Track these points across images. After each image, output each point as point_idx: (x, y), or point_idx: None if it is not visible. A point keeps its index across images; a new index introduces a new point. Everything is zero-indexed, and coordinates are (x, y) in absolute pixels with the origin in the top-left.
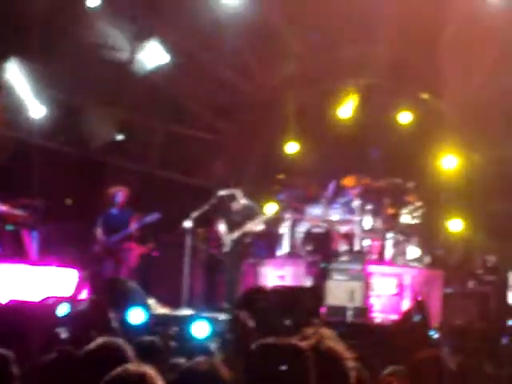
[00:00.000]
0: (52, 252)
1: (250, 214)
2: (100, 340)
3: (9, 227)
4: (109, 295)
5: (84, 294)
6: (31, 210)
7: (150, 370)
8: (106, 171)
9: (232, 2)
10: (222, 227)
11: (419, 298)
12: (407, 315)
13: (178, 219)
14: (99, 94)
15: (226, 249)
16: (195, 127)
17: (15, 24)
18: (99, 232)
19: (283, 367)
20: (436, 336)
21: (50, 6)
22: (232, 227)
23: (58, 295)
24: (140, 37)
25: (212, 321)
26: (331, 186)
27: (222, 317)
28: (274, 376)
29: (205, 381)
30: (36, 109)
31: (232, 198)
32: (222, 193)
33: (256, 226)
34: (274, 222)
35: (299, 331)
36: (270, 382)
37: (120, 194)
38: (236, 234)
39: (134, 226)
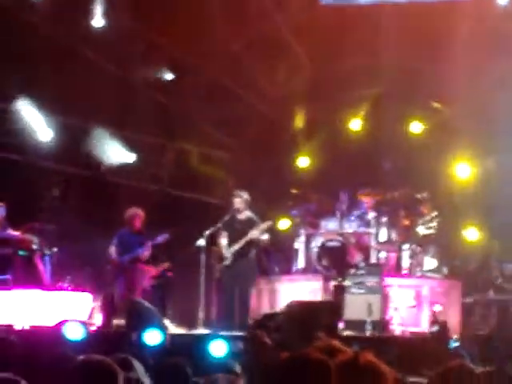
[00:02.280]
0: (65, 276)
1: (251, 225)
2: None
3: (21, 253)
4: (125, 317)
5: (99, 317)
6: (43, 234)
7: None
8: (118, 192)
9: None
10: (223, 241)
11: (435, 310)
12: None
13: (193, 238)
14: (107, 115)
15: (227, 262)
16: (205, 144)
17: (21, 54)
18: (112, 251)
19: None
20: (456, 346)
21: (55, 28)
22: (234, 240)
23: (73, 319)
24: (144, 55)
25: (229, 339)
26: (343, 197)
27: (240, 335)
28: None
29: None
30: (44, 132)
31: (236, 210)
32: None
33: (259, 234)
34: (287, 237)
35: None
36: None
37: (137, 217)
38: (237, 246)
39: (145, 248)
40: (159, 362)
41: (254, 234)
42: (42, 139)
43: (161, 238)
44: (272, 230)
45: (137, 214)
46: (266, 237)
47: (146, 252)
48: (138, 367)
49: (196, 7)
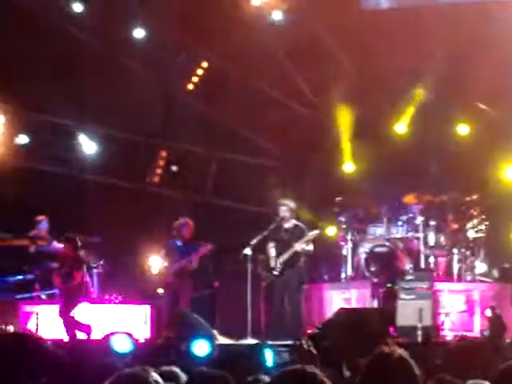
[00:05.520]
0: (113, 288)
1: (299, 234)
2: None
3: None
4: (173, 328)
5: (147, 330)
6: (89, 247)
7: None
8: (162, 203)
9: (277, 21)
10: (272, 251)
11: (493, 312)
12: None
13: (239, 247)
14: (149, 126)
15: (276, 273)
16: (248, 153)
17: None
18: (162, 262)
19: None
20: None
21: (97, 40)
22: (282, 250)
23: (120, 331)
24: (187, 65)
25: (277, 349)
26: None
27: (287, 345)
28: None
29: None
30: (87, 145)
31: (282, 219)
32: (279, 218)
33: (305, 245)
34: (334, 244)
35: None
36: None
37: (185, 227)
38: (285, 256)
39: (191, 259)
40: (202, 373)
41: (300, 245)
42: (86, 152)
43: (204, 249)
44: (319, 238)
45: (186, 223)
46: (310, 247)
47: (193, 263)
48: (184, 379)
49: (235, 16)
